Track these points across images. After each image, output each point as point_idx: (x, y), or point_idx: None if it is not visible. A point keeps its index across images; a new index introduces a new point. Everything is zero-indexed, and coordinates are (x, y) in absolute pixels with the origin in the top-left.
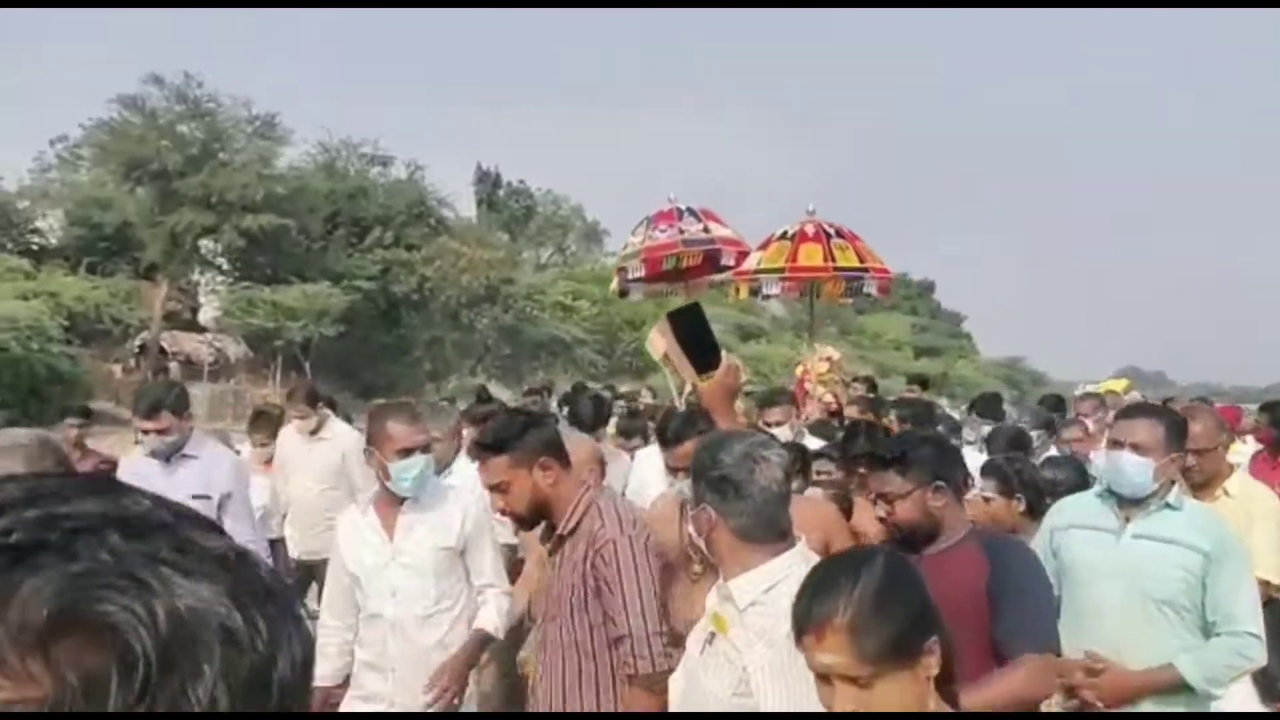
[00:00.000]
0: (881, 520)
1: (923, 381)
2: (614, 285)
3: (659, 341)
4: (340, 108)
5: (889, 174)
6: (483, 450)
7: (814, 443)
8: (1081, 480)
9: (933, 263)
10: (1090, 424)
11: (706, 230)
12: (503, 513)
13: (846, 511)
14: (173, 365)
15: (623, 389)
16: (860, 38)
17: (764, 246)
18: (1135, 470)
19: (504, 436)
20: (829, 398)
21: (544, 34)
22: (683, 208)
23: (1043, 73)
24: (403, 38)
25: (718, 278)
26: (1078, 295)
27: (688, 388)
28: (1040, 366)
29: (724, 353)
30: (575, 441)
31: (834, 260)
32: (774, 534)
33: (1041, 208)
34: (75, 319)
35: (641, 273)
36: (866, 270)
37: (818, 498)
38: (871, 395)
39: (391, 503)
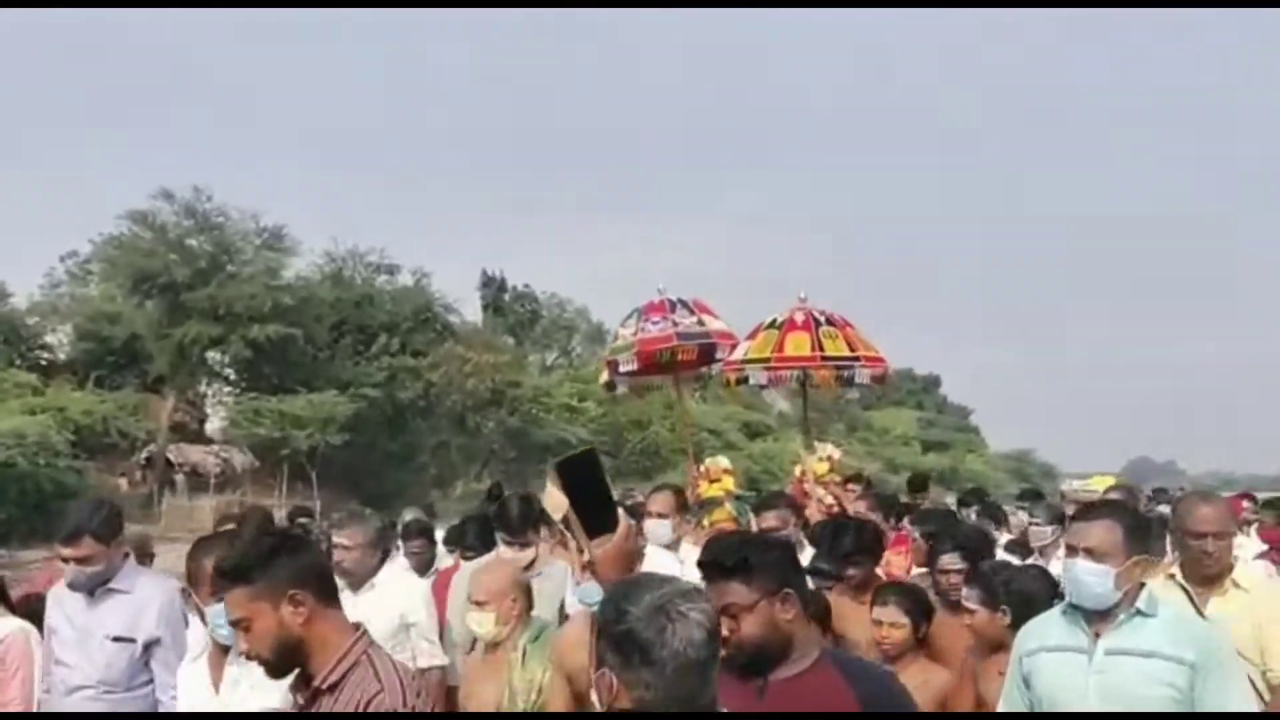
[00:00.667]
0: (724, 639)
1: (920, 483)
2: (603, 377)
3: (558, 498)
4: (346, 215)
5: (891, 267)
6: (220, 578)
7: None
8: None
9: (939, 357)
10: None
11: (701, 323)
12: (247, 656)
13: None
14: (179, 477)
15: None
16: (858, 127)
17: (752, 336)
18: (1093, 579)
19: (245, 563)
20: (829, 499)
21: (546, 140)
22: (674, 299)
23: (1048, 165)
24: (408, 145)
25: (706, 369)
26: (1086, 386)
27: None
28: (1050, 458)
29: (621, 513)
30: (496, 566)
31: (821, 349)
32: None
33: (1047, 300)
34: (82, 432)
35: (634, 365)
36: (858, 359)
37: None
38: (872, 492)
39: (220, 651)
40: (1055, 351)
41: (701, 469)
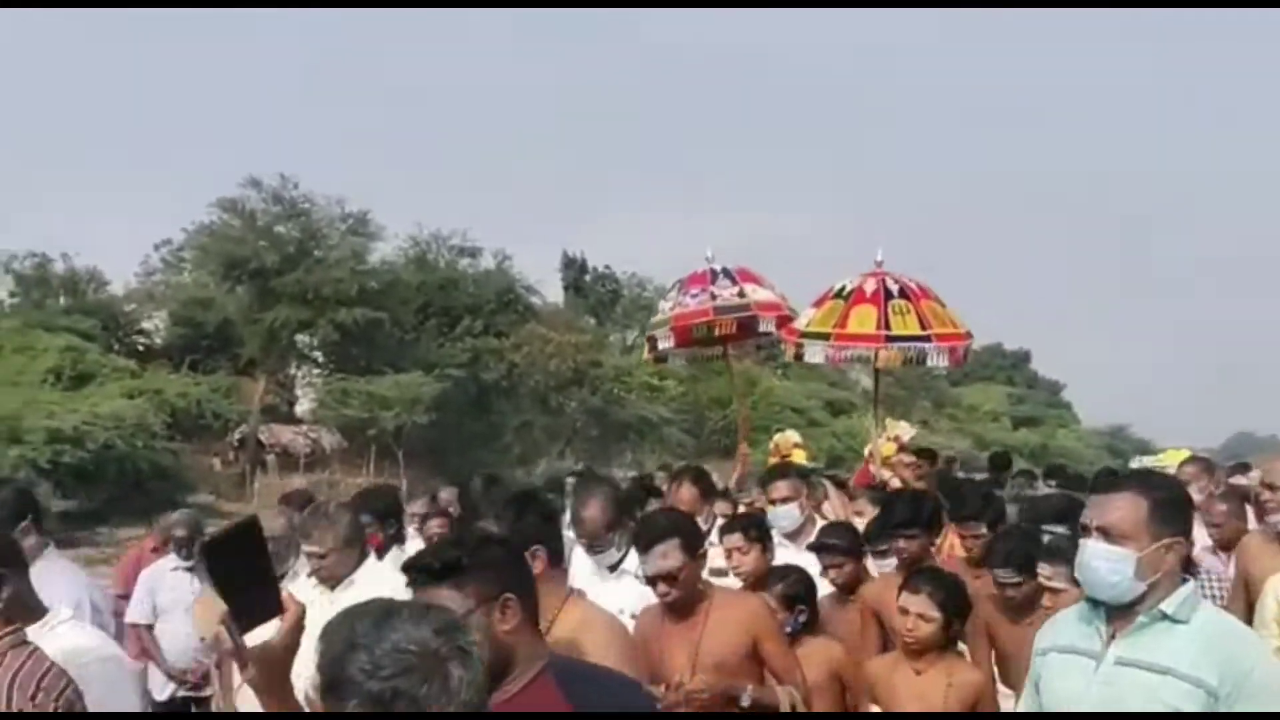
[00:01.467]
0: None
1: (1002, 461)
2: (645, 354)
3: (208, 610)
4: (429, 199)
5: (978, 240)
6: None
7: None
8: None
9: (1028, 331)
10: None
11: (742, 294)
12: None
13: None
14: (270, 457)
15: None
16: (949, 96)
17: (819, 303)
18: (1106, 565)
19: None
20: (896, 482)
21: (622, 116)
22: (717, 269)
23: (1139, 132)
24: (488, 129)
25: (756, 340)
26: (1184, 357)
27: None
28: (1145, 434)
29: (286, 594)
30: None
31: (888, 327)
32: None
33: (1142, 267)
34: (178, 415)
35: (670, 342)
36: (928, 338)
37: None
38: (934, 467)
39: None
40: (1150, 321)
41: (771, 444)
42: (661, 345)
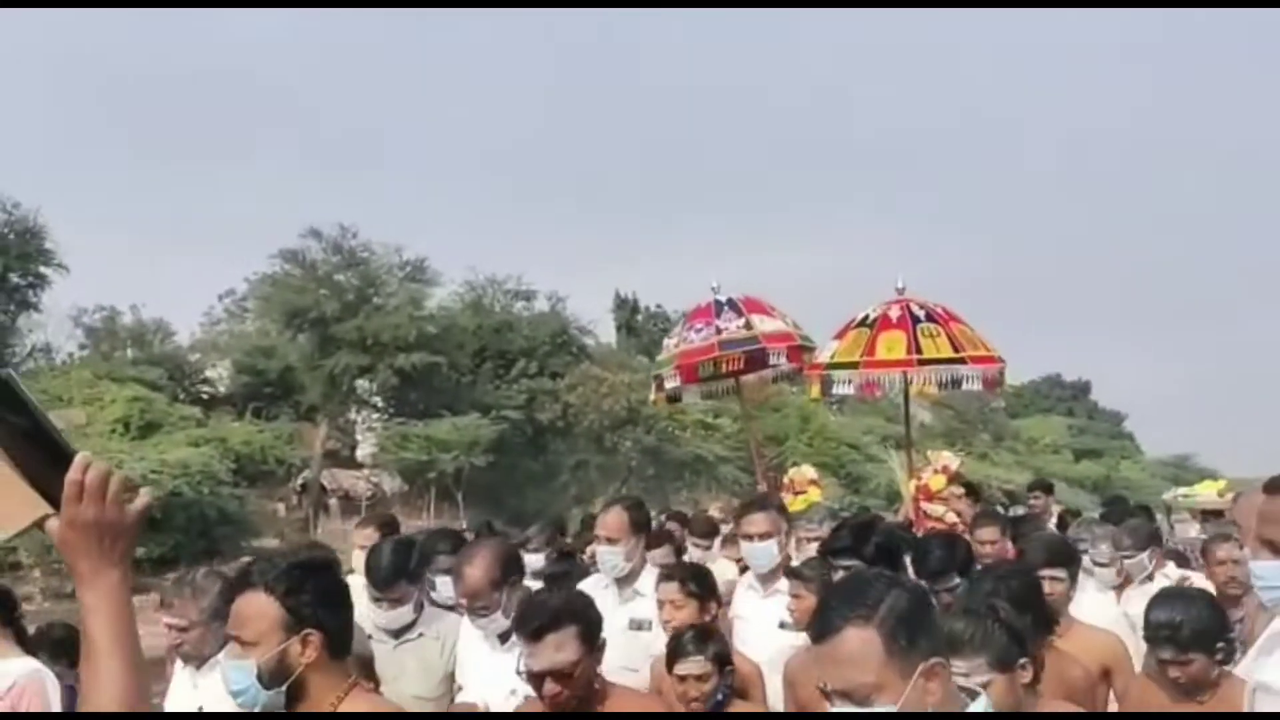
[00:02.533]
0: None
1: (1042, 486)
2: (652, 396)
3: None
4: (484, 244)
5: (1034, 271)
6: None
7: None
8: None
9: (1087, 362)
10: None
11: (748, 326)
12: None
13: None
14: (332, 501)
15: None
16: (1001, 129)
17: (841, 335)
18: None
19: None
20: (951, 517)
21: (673, 158)
22: (722, 300)
23: (1197, 158)
24: (539, 173)
25: (781, 368)
26: (1251, 383)
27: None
28: (1211, 463)
29: (84, 454)
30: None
31: (919, 351)
32: None
33: (1204, 297)
34: (242, 461)
35: (678, 380)
36: (962, 360)
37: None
38: (980, 508)
39: None
40: (1215, 350)
41: (785, 480)
42: (669, 385)
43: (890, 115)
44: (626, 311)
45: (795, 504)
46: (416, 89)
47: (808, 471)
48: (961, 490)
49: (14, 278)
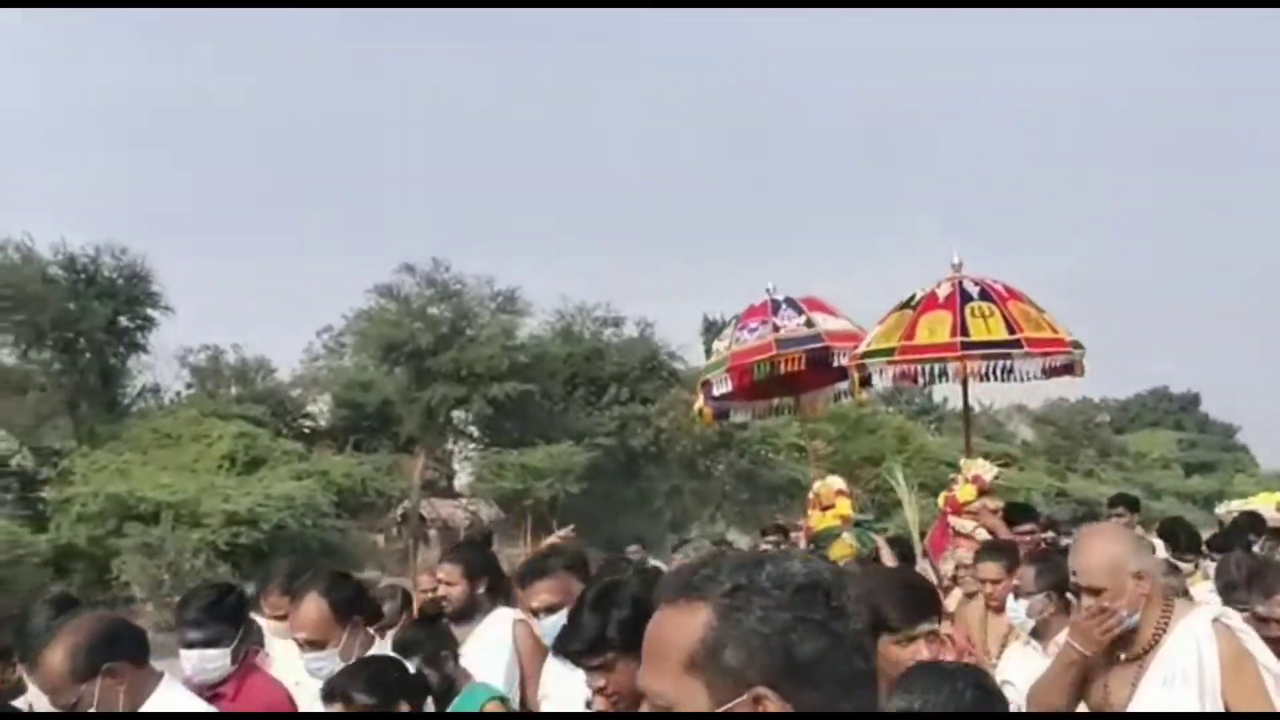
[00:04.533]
0: None
1: (1129, 502)
2: (698, 404)
3: None
4: (574, 272)
5: (1142, 282)
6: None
7: None
8: None
9: (1197, 373)
10: None
11: (810, 324)
12: None
13: None
14: (432, 531)
15: None
16: (1103, 127)
17: (883, 320)
18: None
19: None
20: (983, 534)
21: (762, 181)
22: (779, 299)
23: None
24: (626, 198)
25: (840, 387)
26: None
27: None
28: None
29: None
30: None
31: (965, 332)
32: None
33: None
34: (343, 494)
35: (729, 385)
36: (1016, 343)
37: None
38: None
39: None
40: None
41: (811, 495)
42: (717, 390)
43: (976, 118)
44: (715, 334)
45: (823, 520)
46: (503, 120)
47: (835, 483)
48: (998, 505)
49: (123, 321)
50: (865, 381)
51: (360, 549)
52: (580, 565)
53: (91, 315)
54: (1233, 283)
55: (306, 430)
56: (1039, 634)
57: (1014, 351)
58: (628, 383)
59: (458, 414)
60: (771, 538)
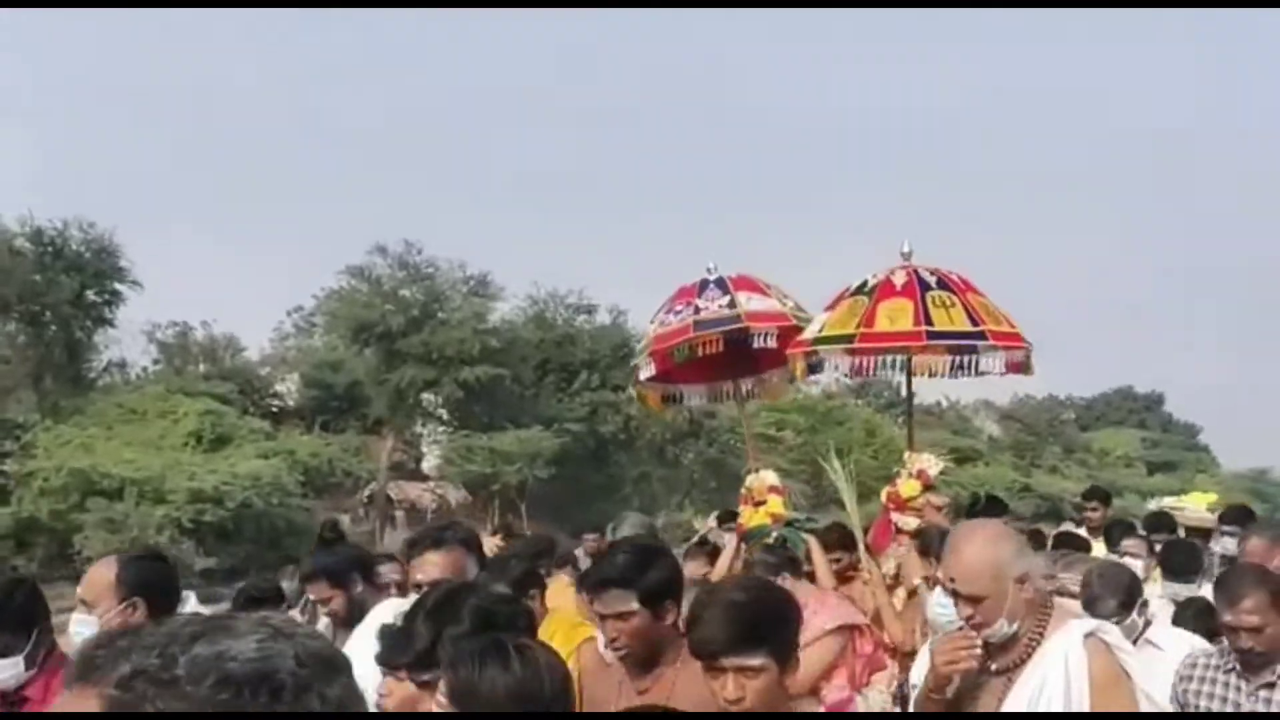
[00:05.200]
0: None
1: (1102, 496)
2: (631, 389)
3: None
4: (545, 258)
5: (1111, 284)
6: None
7: None
8: None
9: (1160, 374)
10: None
11: (731, 304)
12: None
13: None
14: (399, 513)
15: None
16: (1063, 130)
17: (832, 305)
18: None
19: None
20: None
21: (734, 170)
22: (710, 279)
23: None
24: (598, 186)
25: (790, 368)
26: None
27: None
28: None
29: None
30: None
31: (928, 321)
32: None
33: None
34: (310, 473)
35: (652, 370)
36: (981, 335)
37: None
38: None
39: None
40: None
41: (743, 490)
42: (643, 375)
43: (944, 110)
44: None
45: (755, 517)
46: (475, 105)
47: (768, 478)
48: (942, 501)
49: (90, 295)
50: (813, 369)
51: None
52: (477, 546)
53: (58, 288)
54: (1198, 284)
55: (274, 409)
56: None
57: (979, 343)
58: (598, 369)
59: (427, 396)
60: (729, 524)
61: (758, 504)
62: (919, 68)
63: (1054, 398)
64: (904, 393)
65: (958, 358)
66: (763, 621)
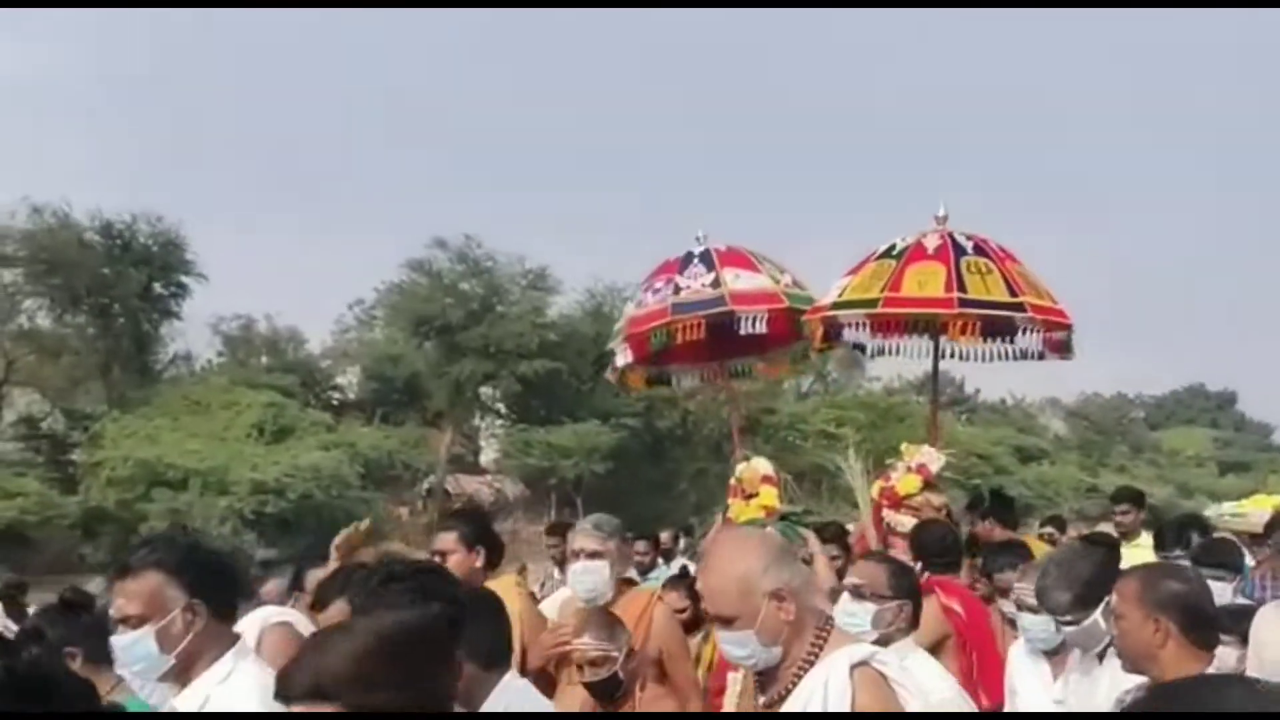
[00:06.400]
0: None
1: (1134, 497)
2: (610, 374)
3: None
4: (603, 252)
5: (1178, 278)
6: None
7: None
8: None
9: (1233, 371)
10: None
11: (716, 284)
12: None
13: None
14: (456, 507)
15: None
16: (1139, 116)
17: (856, 270)
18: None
19: None
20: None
21: (791, 162)
22: (696, 251)
23: None
24: (659, 181)
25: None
26: None
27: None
28: None
29: None
30: None
31: (962, 288)
32: None
33: None
34: (370, 466)
35: (629, 357)
36: (1020, 306)
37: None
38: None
39: None
40: None
41: (732, 480)
42: (619, 361)
43: (1013, 105)
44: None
45: (745, 511)
46: (536, 101)
47: (761, 466)
48: (943, 501)
49: (157, 288)
50: (828, 336)
51: (385, 521)
52: (193, 565)
53: (126, 281)
54: (1272, 280)
55: (335, 402)
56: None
57: (1017, 315)
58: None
59: (485, 390)
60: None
61: (749, 496)
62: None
63: (1123, 395)
64: (965, 389)
65: (993, 327)
66: None
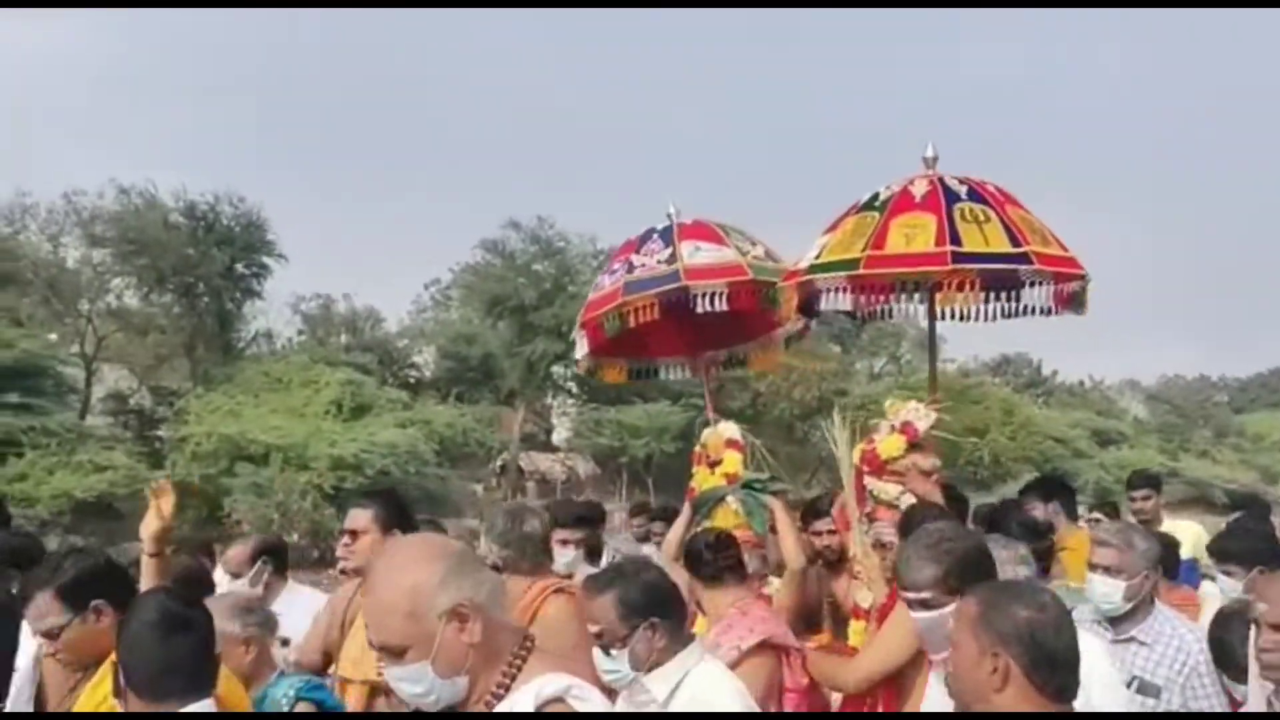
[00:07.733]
0: None
1: (1152, 480)
2: (578, 363)
3: None
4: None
5: (1269, 261)
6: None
7: None
8: None
9: None
10: None
11: (672, 259)
12: None
13: None
14: (529, 484)
15: None
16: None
17: (834, 226)
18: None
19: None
20: (909, 500)
21: (853, 139)
22: (659, 227)
23: None
24: (731, 158)
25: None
26: None
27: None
28: None
29: None
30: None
31: (955, 241)
32: None
33: None
34: (445, 443)
35: (586, 346)
36: (1025, 256)
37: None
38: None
39: None
40: None
41: (697, 447)
42: (578, 352)
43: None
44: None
45: (708, 480)
46: (604, 84)
47: (727, 431)
48: (932, 465)
49: (240, 267)
50: (807, 306)
51: (460, 497)
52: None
53: (210, 261)
54: None
55: (411, 380)
56: None
57: (1021, 268)
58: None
59: (558, 369)
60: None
61: (713, 464)
62: None
63: (1205, 378)
64: (1042, 371)
65: (995, 282)
66: None
